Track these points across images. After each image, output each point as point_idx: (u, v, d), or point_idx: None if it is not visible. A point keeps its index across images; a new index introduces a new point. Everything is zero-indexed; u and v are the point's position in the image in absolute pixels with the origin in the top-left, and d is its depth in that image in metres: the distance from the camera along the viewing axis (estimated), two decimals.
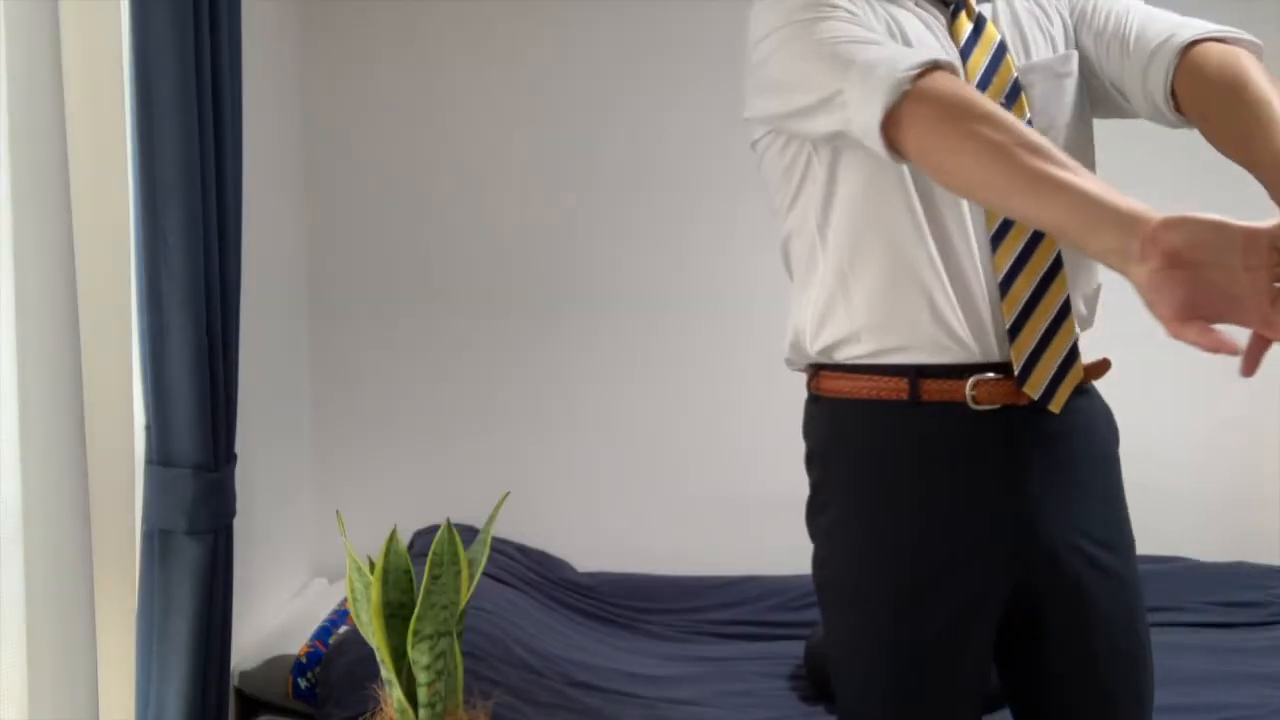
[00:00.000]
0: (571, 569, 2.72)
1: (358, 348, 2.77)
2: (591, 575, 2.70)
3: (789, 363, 1.37)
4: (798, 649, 2.27)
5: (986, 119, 0.99)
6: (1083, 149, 1.24)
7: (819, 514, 1.32)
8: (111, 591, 1.61)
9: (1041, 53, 1.23)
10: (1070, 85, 1.23)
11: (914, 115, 1.02)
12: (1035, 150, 0.96)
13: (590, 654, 2.27)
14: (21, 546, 1.50)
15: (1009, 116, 1.02)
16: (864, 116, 1.05)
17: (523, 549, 2.67)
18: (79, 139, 1.56)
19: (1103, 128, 1.28)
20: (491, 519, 1.59)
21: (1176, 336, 0.86)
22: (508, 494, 1.75)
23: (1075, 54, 1.24)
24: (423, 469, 2.78)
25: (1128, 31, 1.20)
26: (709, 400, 2.79)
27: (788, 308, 1.33)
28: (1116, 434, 1.29)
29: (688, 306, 2.79)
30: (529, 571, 2.59)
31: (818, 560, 1.32)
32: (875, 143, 1.05)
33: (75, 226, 1.58)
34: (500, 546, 2.57)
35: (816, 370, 1.31)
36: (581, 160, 2.78)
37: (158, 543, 1.54)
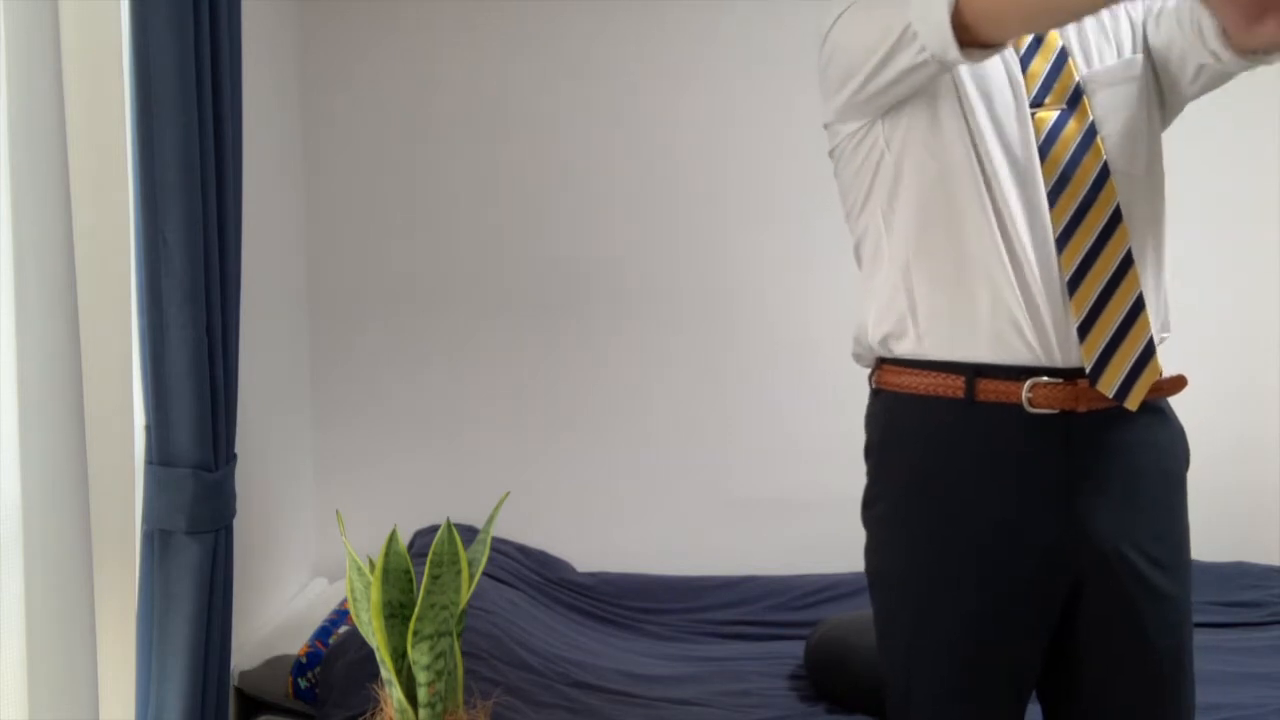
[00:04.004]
0: (571, 569, 2.72)
1: (358, 348, 2.77)
2: (591, 575, 2.70)
3: (856, 358, 1.38)
4: (798, 649, 2.27)
5: None
6: (1148, 156, 1.24)
7: (872, 505, 1.32)
8: (111, 591, 1.61)
9: (1106, 59, 1.24)
10: (1134, 91, 1.23)
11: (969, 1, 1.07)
12: None
13: (590, 654, 2.27)
14: (21, 546, 1.50)
15: None
16: (934, 32, 1.10)
17: (523, 549, 2.67)
18: (79, 139, 1.56)
19: None
20: (491, 519, 1.59)
21: (1249, 39, 0.83)
22: (508, 494, 1.75)
23: (1139, 58, 1.24)
24: (423, 469, 2.78)
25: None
26: (709, 401, 2.78)
27: (856, 304, 1.35)
28: (1187, 455, 1.28)
29: (689, 307, 2.79)
30: (529, 571, 2.58)
31: (869, 548, 1.33)
32: (951, 49, 1.09)
33: (75, 226, 1.58)
34: (500, 546, 2.57)
35: (879, 364, 1.32)
36: (581, 160, 2.78)
37: (158, 543, 1.54)
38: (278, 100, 2.58)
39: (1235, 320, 2.80)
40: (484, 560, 1.56)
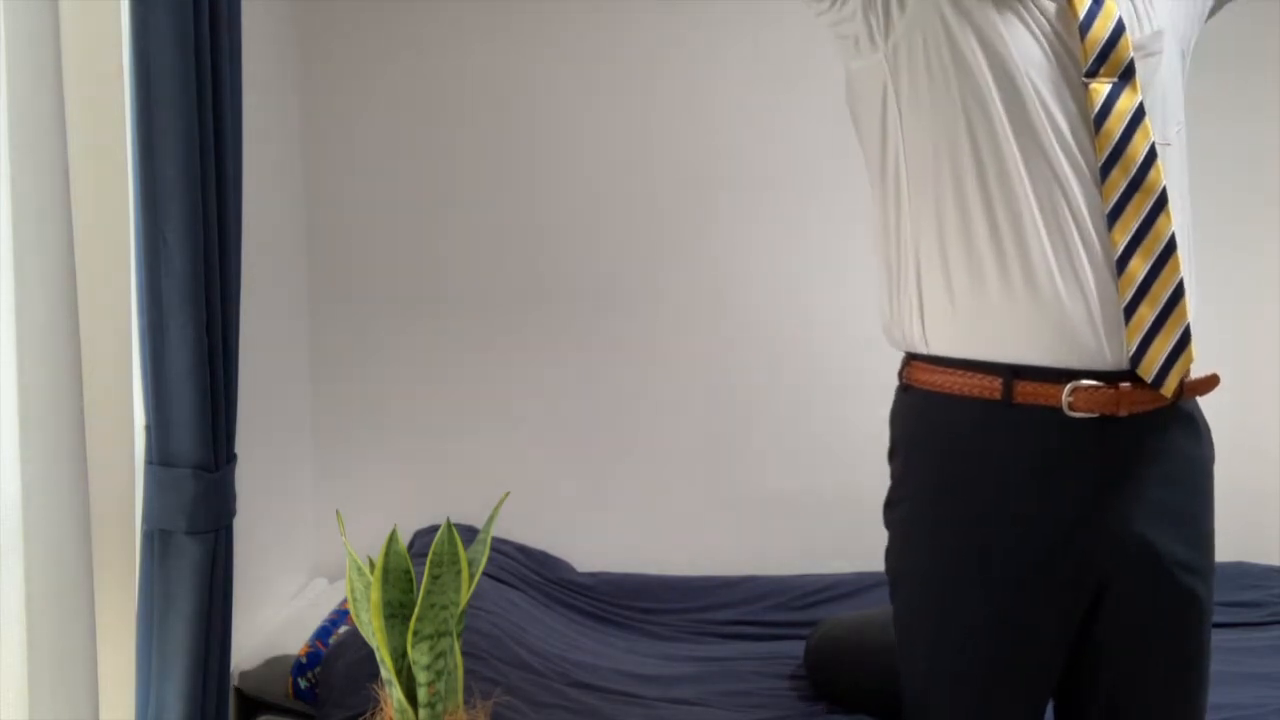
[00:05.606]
0: (571, 569, 2.72)
1: (358, 348, 2.77)
2: (592, 575, 2.70)
3: (887, 334, 1.33)
4: (798, 649, 2.27)
5: None
6: (1180, 128, 1.22)
7: (896, 506, 1.29)
8: (111, 592, 1.61)
9: (1145, 29, 1.22)
10: (1162, 62, 1.21)
11: None
12: None
13: (590, 654, 2.27)
14: (21, 547, 1.50)
15: None
16: None
17: (523, 549, 2.67)
18: (79, 139, 1.56)
19: None
20: (491, 519, 1.59)
21: None
22: (508, 494, 1.75)
23: (1163, 31, 1.22)
24: (423, 469, 2.78)
25: None
26: (710, 400, 2.78)
27: (880, 282, 1.30)
28: (1213, 455, 1.26)
29: (689, 306, 2.78)
30: (529, 571, 2.58)
31: (891, 549, 1.30)
32: None
33: (75, 226, 1.58)
34: (500, 546, 2.57)
35: (908, 360, 1.29)
36: (581, 161, 2.78)
37: (158, 543, 1.54)
38: (278, 100, 2.58)
39: (1235, 319, 2.79)
40: (484, 560, 1.56)
